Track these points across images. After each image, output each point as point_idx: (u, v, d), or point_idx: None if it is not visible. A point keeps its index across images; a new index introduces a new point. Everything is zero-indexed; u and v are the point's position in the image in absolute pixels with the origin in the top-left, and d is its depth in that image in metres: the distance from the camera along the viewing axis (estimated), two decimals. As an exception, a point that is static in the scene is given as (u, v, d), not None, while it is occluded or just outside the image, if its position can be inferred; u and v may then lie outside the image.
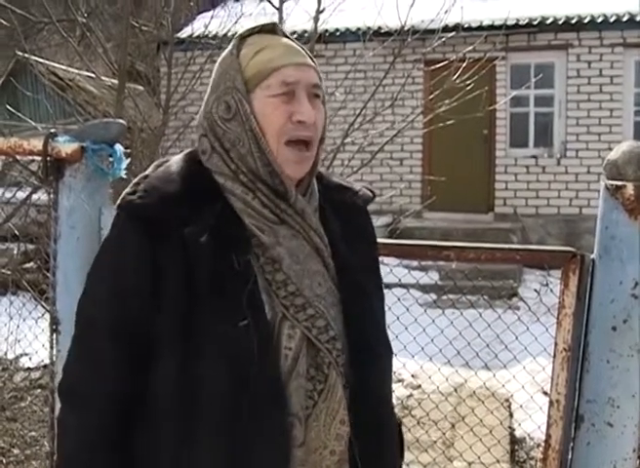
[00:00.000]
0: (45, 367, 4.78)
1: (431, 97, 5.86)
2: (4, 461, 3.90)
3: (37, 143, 1.98)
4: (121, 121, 2.04)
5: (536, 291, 7.94)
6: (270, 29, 1.38)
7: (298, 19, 6.04)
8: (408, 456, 2.23)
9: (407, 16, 5.38)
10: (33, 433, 4.27)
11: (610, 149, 1.89)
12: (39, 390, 4.98)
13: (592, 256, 1.83)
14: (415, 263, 7.17)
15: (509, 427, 4.69)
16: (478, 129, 10.09)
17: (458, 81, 5.54)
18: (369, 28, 6.55)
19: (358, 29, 7.94)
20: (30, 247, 4.61)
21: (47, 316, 2.29)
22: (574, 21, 10.02)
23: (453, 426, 4.42)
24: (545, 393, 4.15)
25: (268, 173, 1.31)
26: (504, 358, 4.47)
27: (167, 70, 5.64)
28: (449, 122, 5.87)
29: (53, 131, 1.99)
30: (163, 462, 1.27)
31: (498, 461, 4.07)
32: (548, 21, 10.07)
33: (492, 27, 9.41)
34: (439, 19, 5.65)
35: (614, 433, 1.75)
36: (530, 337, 3.88)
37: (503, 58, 10.01)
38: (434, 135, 9.10)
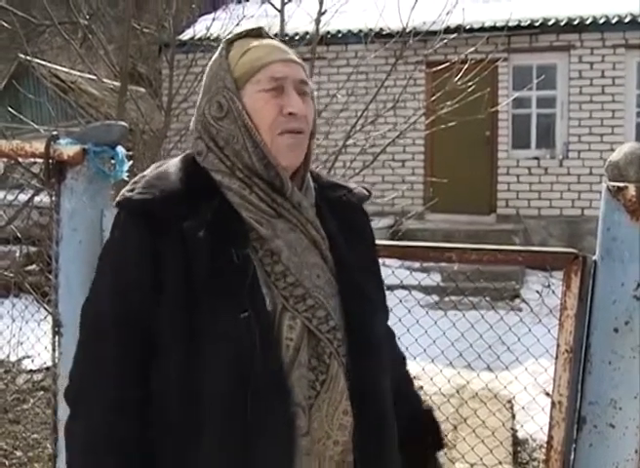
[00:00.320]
0: (47, 369, 4.78)
1: (433, 98, 5.84)
2: (7, 463, 3.91)
3: (39, 146, 1.98)
4: (123, 123, 2.04)
5: (538, 292, 7.92)
6: (257, 34, 1.43)
7: (299, 22, 6.04)
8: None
9: (408, 17, 5.36)
10: (36, 435, 4.27)
11: (612, 150, 1.89)
12: (42, 392, 4.98)
13: (594, 258, 1.82)
14: (417, 265, 7.18)
15: (512, 428, 4.69)
16: (480, 130, 10.09)
17: (459, 82, 5.53)
18: (370, 30, 6.54)
19: (360, 31, 7.91)
20: (32, 249, 4.61)
21: (49, 318, 2.29)
22: (576, 23, 10.02)
23: (455, 428, 4.41)
24: (548, 394, 4.16)
25: (264, 166, 1.33)
26: (507, 359, 4.46)
27: (169, 72, 5.63)
28: (451, 123, 5.85)
29: (55, 133, 1.99)
30: (167, 462, 1.27)
31: (500, 463, 4.06)
32: (550, 23, 10.07)
33: (494, 29, 9.43)
34: (441, 21, 5.63)
35: (616, 434, 1.75)
36: (532, 339, 3.88)
37: (505, 60, 10.02)
38: (436, 136, 9.12)
